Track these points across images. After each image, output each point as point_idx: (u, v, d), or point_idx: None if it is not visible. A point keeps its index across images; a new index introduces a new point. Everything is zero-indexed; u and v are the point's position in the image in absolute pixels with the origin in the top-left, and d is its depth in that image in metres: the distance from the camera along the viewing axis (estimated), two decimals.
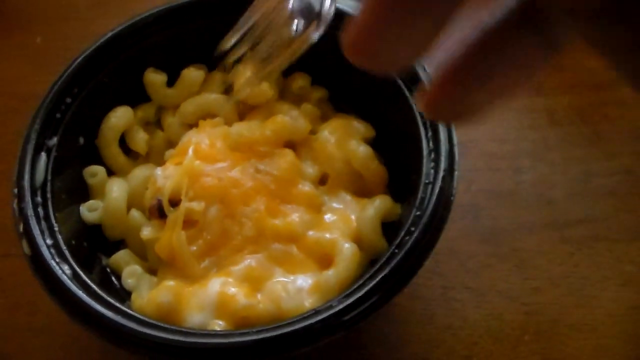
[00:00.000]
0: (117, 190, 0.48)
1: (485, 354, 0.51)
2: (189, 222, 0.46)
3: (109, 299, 0.41)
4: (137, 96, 0.53)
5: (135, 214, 0.49)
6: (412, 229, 0.41)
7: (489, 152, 0.60)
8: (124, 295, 0.47)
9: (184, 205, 0.46)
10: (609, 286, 0.53)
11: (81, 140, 0.49)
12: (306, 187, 0.48)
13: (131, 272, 0.48)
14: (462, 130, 0.60)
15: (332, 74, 0.53)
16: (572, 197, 0.57)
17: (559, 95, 0.63)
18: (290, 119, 0.49)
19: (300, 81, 0.53)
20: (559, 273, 0.54)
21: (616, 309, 0.52)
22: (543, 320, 0.52)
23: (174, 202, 0.46)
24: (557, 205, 0.57)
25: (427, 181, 0.43)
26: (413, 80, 0.47)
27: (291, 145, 0.50)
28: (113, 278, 0.48)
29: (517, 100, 0.63)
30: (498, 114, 0.62)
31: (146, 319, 0.40)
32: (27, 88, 0.62)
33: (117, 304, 0.41)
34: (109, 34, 0.50)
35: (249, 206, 0.46)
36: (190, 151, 0.47)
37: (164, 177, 0.47)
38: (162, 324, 0.40)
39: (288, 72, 0.54)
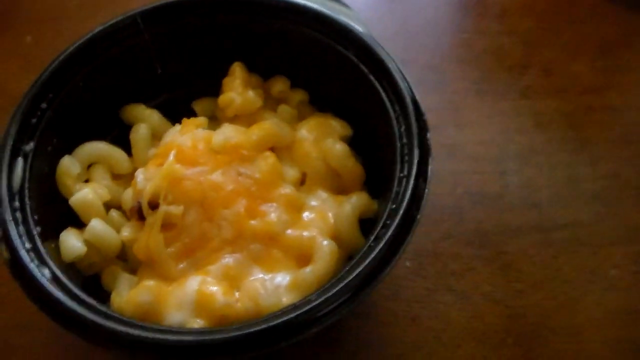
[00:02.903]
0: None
1: (467, 357, 0.51)
2: (168, 225, 0.46)
3: (88, 300, 0.41)
4: (113, 98, 0.53)
5: (114, 214, 0.49)
6: (388, 222, 0.41)
7: (474, 155, 0.60)
8: (104, 296, 0.47)
9: (163, 209, 0.46)
10: (592, 290, 0.53)
11: (56, 142, 0.49)
12: (287, 190, 0.48)
13: (110, 272, 0.48)
14: (448, 133, 0.61)
15: (310, 76, 0.53)
16: (558, 201, 0.58)
17: (545, 99, 0.63)
18: (276, 126, 0.50)
19: (280, 85, 0.54)
20: (543, 276, 0.54)
21: (599, 313, 0.52)
22: (526, 323, 0.52)
23: (154, 205, 0.46)
24: (542, 209, 0.57)
25: (401, 175, 0.43)
26: (387, 79, 0.47)
27: (271, 148, 0.50)
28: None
29: (504, 103, 0.63)
30: (484, 118, 0.62)
31: (126, 319, 0.40)
32: (16, 87, 0.62)
33: (97, 305, 0.41)
34: (83, 39, 0.50)
35: (229, 209, 0.46)
36: (172, 155, 0.47)
37: (145, 179, 0.47)
38: (141, 323, 0.40)
39: (267, 76, 0.54)
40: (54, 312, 0.40)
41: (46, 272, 0.42)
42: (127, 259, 0.49)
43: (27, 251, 0.43)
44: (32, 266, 0.42)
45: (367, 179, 0.51)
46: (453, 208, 0.57)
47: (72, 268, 0.47)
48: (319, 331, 0.39)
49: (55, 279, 0.42)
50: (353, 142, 0.51)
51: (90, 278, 0.48)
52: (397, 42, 0.49)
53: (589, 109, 0.63)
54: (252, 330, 0.38)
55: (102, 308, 0.41)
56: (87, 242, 0.47)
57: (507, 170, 0.59)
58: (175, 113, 0.53)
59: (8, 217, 0.43)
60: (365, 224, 0.48)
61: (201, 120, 0.51)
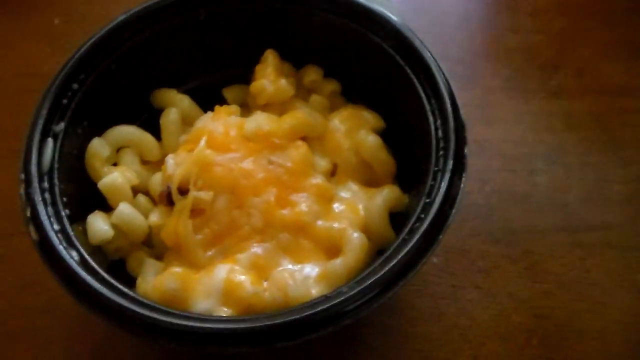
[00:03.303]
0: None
1: (491, 355, 0.50)
2: (197, 211, 0.46)
3: (116, 284, 0.41)
4: (144, 83, 0.53)
5: (141, 199, 0.49)
6: (422, 215, 0.41)
7: (504, 153, 0.60)
8: (129, 281, 0.47)
9: (192, 194, 0.45)
10: (619, 294, 0.53)
11: (86, 124, 0.49)
12: (318, 180, 0.48)
13: (136, 257, 0.48)
14: (477, 130, 0.60)
15: (343, 66, 0.53)
16: (587, 202, 0.57)
17: (577, 99, 0.63)
18: (309, 115, 0.49)
19: (312, 74, 0.53)
20: (570, 278, 0.53)
21: (625, 317, 0.52)
22: (551, 324, 0.51)
23: (183, 190, 0.46)
24: (571, 210, 0.57)
25: (436, 169, 0.43)
26: (424, 72, 0.47)
27: (302, 138, 0.50)
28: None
29: (534, 102, 0.63)
30: (514, 116, 0.62)
31: (154, 304, 0.40)
32: (45, 68, 0.62)
33: (126, 290, 0.41)
34: (117, 20, 0.50)
35: (259, 197, 0.46)
36: (203, 141, 0.47)
37: (176, 164, 0.47)
38: (169, 309, 0.40)
39: (300, 65, 0.54)
40: (81, 295, 0.40)
41: (74, 254, 0.42)
42: (152, 245, 0.49)
43: (56, 233, 0.42)
44: (61, 248, 0.42)
45: (398, 172, 0.50)
46: (481, 206, 0.57)
47: (98, 251, 0.47)
48: (349, 324, 0.39)
49: (83, 261, 0.42)
50: (384, 135, 0.51)
51: (115, 263, 0.48)
52: (428, 37, 0.48)
53: (620, 110, 0.62)
54: (282, 320, 0.38)
55: (130, 292, 0.40)
56: (114, 226, 0.47)
57: (536, 170, 0.59)
58: (206, 99, 0.53)
59: (38, 197, 0.43)
60: (395, 218, 0.47)
61: (234, 108, 0.51)
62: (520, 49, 0.66)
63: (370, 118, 0.51)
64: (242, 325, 0.38)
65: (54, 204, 0.44)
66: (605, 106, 0.62)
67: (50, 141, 0.46)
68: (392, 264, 0.39)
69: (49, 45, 0.68)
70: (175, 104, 0.52)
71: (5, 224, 0.57)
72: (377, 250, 0.46)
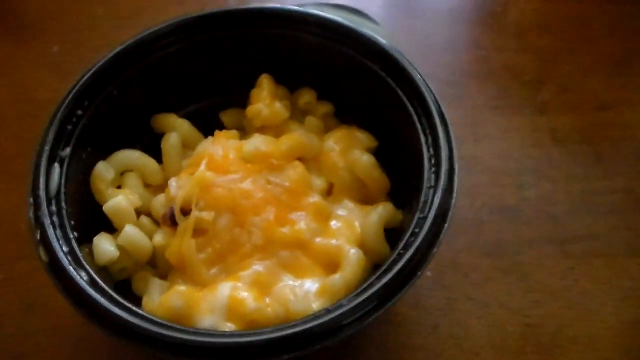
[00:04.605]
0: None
1: None
2: (200, 231, 0.47)
3: (125, 302, 0.42)
4: (145, 108, 0.54)
5: (145, 220, 0.50)
6: (417, 230, 0.43)
7: (493, 169, 0.62)
8: (135, 301, 0.48)
9: (195, 215, 0.47)
10: (608, 301, 0.54)
11: (90, 150, 0.50)
12: (315, 199, 0.49)
13: (141, 277, 0.49)
14: (467, 147, 0.62)
15: (336, 89, 0.55)
16: (574, 214, 0.59)
17: (562, 115, 0.65)
18: (305, 137, 0.51)
19: (306, 97, 0.55)
20: (560, 287, 0.55)
21: (615, 323, 0.53)
22: (544, 332, 0.53)
23: (186, 211, 0.48)
24: (559, 222, 0.58)
25: (429, 185, 0.45)
26: (414, 92, 0.48)
27: (299, 159, 0.51)
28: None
29: (521, 118, 0.64)
30: (502, 132, 0.64)
31: (163, 321, 0.41)
32: (44, 95, 0.64)
33: (136, 309, 0.42)
34: (119, 48, 0.51)
35: (259, 216, 0.47)
36: (203, 164, 0.49)
37: (178, 187, 0.49)
38: (178, 326, 0.41)
39: (294, 88, 0.56)
40: (93, 315, 0.41)
41: (84, 275, 0.43)
42: (157, 265, 0.50)
43: (65, 254, 0.44)
44: (71, 269, 0.43)
45: (392, 189, 0.52)
46: (472, 220, 0.58)
47: (104, 273, 0.48)
48: (348, 336, 0.40)
49: (92, 281, 0.43)
50: (378, 153, 0.53)
51: (121, 283, 0.49)
52: (417, 59, 0.50)
53: (604, 125, 0.64)
54: (286, 333, 0.39)
55: (139, 311, 0.42)
56: (119, 247, 0.48)
57: (525, 184, 0.61)
58: (204, 123, 0.55)
59: (47, 220, 0.44)
60: (390, 233, 0.49)
61: (233, 133, 0.52)
62: (506, 68, 0.69)
63: (363, 138, 0.52)
64: (247, 340, 0.39)
65: (62, 226, 0.45)
66: (589, 121, 0.64)
67: (57, 166, 0.47)
68: (388, 278, 0.41)
69: (49, 72, 0.69)
70: (176, 129, 0.53)
71: (9, 247, 0.58)
72: (374, 265, 0.48)
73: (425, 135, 0.47)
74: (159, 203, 0.50)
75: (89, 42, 0.71)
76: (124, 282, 0.50)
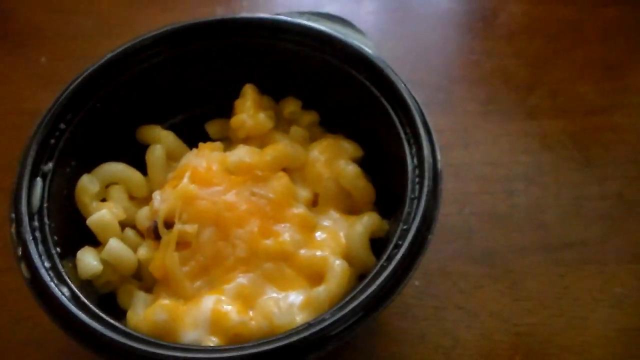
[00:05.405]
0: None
1: None
2: (183, 244, 0.47)
3: (107, 318, 0.42)
4: (129, 120, 0.54)
5: (129, 233, 0.50)
6: (400, 242, 0.42)
7: (482, 176, 0.61)
8: (119, 314, 0.48)
9: (177, 227, 0.47)
10: (598, 308, 0.54)
11: (74, 164, 0.50)
12: (300, 210, 0.49)
13: (126, 290, 0.49)
14: (456, 153, 0.62)
15: (321, 98, 0.54)
16: (564, 221, 0.58)
17: (552, 120, 0.64)
18: (289, 147, 0.51)
19: (291, 106, 0.55)
20: (550, 295, 0.55)
21: (606, 331, 0.53)
22: (534, 341, 0.53)
23: (169, 224, 0.47)
24: (549, 228, 0.58)
25: (412, 196, 0.44)
26: (398, 101, 0.48)
27: (284, 169, 0.51)
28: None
29: (511, 124, 0.64)
30: (491, 138, 0.63)
31: (145, 337, 0.41)
32: (32, 105, 0.63)
33: (116, 323, 0.42)
34: (101, 61, 0.51)
35: (243, 228, 0.47)
36: (186, 176, 0.49)
37: (161, 200, 0.48)
38: (160, 341, 0.41)
39: (279, 98, 0.55)
40: (73, 331, 0.41)
41: (65, 290, 0.43)
42: (142, 278, 0.50)
43: (47, 270, 0.43)
44: (52, 285, 0.42)
45: (377, 199, 0.52)
46: (461, 228, 0.58)
47: (88, 285, 0.48)
48: (332, 349, 0.40)
49: (74, 297, 0.43)
50: (363, 163, 0.52)
51: (106, 296, 0.49)
52: (405, 63, 0.50)
53: (594, 129, 0.64)
54: (268, 347, 0.39)
55: (121, 326, 0.41)
56: (104, 261, 0.48)
57: (515, 190, 0.60)
58: (190, 133, 0.54)
59: (28, 236, 0.44)
60: (376, 243, 0.49)
61: (217, 144, 0.52)
62: (496, 73, 0.68)
63: (348, 147, 0.52)
64: (228, 355, 0.39)
65: (44, 241, 0.45)
66: (580, 125, 0.64)
67: (39, 181, 0.47)
68: (371, 290, 0.40)
69: (37, 83, 0.69)
70: (160, 141, 0.53)
71: None
72: (359, 275, 0.48)
73: (410, 145, 0.47)
74: (143, 215, 0.50)
75: (78, 53, 0.71)
76: (110, 294, 0.49)
